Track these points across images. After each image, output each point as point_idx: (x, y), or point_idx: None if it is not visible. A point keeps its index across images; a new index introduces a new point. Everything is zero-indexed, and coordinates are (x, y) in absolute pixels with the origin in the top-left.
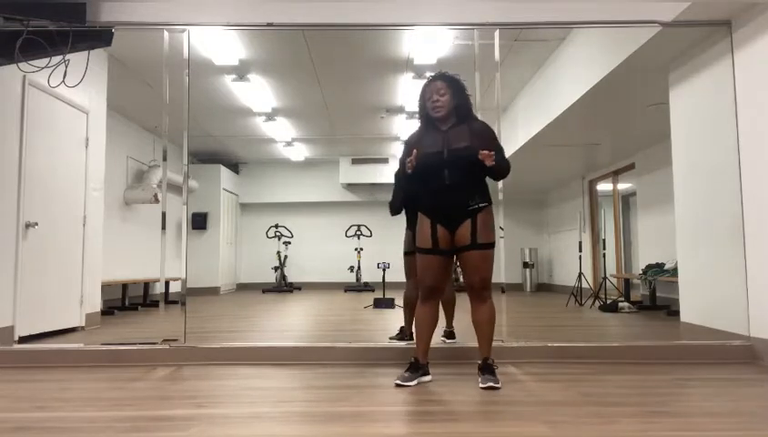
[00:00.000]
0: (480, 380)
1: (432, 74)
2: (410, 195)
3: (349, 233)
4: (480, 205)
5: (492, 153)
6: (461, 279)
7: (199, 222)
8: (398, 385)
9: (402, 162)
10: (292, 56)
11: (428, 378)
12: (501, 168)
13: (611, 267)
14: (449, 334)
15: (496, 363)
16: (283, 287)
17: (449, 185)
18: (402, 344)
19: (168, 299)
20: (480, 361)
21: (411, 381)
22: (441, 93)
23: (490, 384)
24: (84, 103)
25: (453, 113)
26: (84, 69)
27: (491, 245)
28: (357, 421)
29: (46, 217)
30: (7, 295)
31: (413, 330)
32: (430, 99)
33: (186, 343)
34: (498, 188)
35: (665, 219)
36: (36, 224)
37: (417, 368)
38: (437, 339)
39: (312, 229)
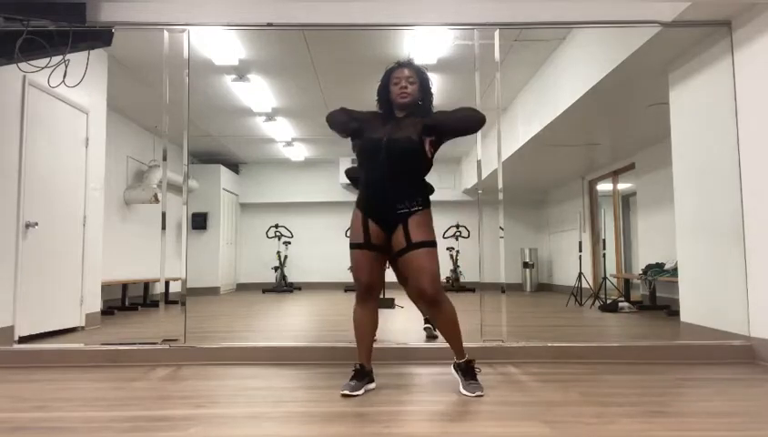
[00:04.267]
0: (462, 385)
1: (398, 61)
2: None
3: (349, 233)
4: (412, 209)
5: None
6: (461, 279)
7: (199, 222)
8: (345, 395)
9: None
10: (292, 56)
11: (372, 385)
12: (459, 119)
13: (611, 267)
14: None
15: (479, 367)
16: (283, 287)
17: (384, 177)
18: (397, 344)
19: (168, 299)
20: (460, 362)
21: (359, 389)
22: (411, 81)
23: (479, 394)
24: (84, 103)
25: (414, 104)
26: (84, 69)
27: (430, 243)
28: (357, 421)
29: (46, 217)
30: (7, 295)
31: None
32: (398, 84)
33: (186, 343)
34: (498, 187)
35: (665, 219)
36: (36, 224)
37: (363, 375)
38: (420, 334)
39: (312, 229)
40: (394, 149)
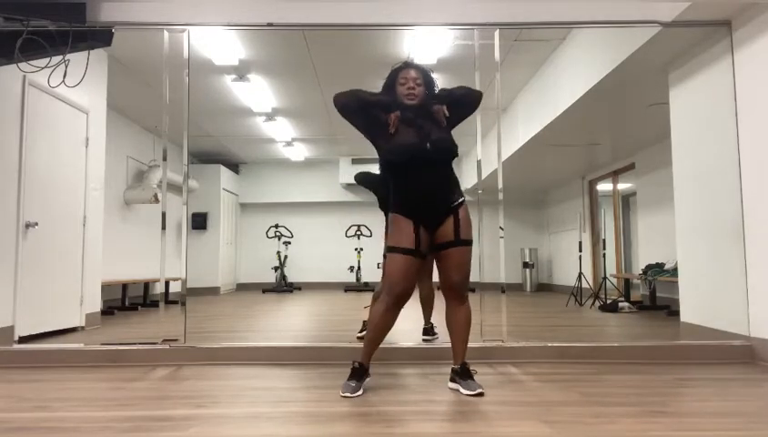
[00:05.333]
0: (461, 386)
1: (405, 61)
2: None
3: (349, 233)
4: (460, 200)
5: (443, 107)
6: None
7: (199, 222)
8: (346, 397)
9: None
10: (292, 56)
11: (369, 378)
12: (465, 97)
13: (611, 267)
14: (430, 330)
15: (474, 368)
16: (283, 287)
17: (432, 180)
18: (398, 344)
19: (168, 299)
20: (456, 367)
21: (359, 390)
22: (418, 82)
23: (479, 391)
24: (84, 103)
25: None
26: (84, 69)
27: (472, 242)
28: (358, 421)
29: (46, 217)
30: (7, 295)
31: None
32: (405, 85)
33: (186, 343)
34: (498, 187)
35: (665, 219)
36: (36, 224)
37: (362, 373)
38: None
39: (312, 229)
40: (439, 151)
